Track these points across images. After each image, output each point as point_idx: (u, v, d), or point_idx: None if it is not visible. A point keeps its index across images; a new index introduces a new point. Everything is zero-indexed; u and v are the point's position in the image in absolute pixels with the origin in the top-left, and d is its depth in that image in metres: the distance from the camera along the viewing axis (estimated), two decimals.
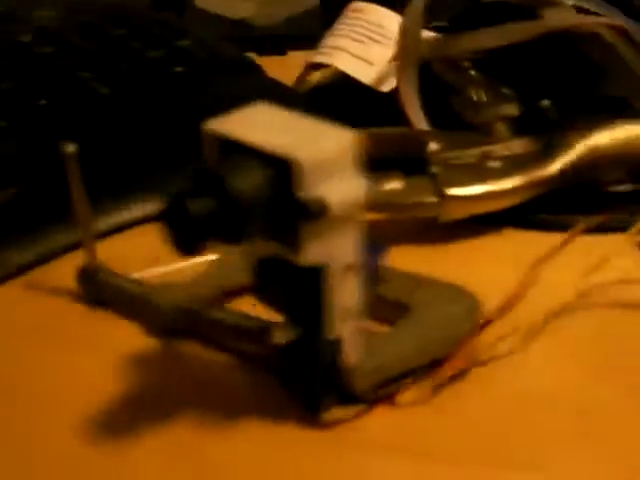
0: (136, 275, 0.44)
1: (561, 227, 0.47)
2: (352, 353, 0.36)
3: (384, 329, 0.39)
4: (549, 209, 0.48)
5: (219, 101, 0.55)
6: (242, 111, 0.35)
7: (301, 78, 0.58)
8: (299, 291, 0.35)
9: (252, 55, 0.61)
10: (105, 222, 0.48)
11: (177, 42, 0.60)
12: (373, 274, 0.36)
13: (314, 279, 0.34)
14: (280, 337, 0.36)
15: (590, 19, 0.51)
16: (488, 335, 0.40)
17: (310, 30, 0.67)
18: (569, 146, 0.47)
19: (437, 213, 0.45)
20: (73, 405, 0.39)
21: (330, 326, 0.35)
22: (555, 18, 0.51)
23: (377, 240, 0.36)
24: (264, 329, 0.37)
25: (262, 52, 0.62)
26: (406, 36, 0.51)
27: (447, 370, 0.38)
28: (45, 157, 0.50)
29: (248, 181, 0.32)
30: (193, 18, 0.67)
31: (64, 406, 0.39)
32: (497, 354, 0.40)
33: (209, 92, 0.56)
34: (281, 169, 0.32)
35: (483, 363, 0.39)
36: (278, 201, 0.32)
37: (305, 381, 0.37)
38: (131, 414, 0.38)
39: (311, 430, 0.37)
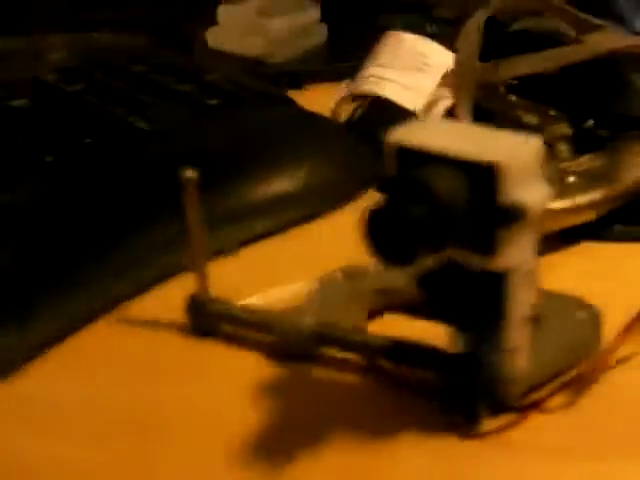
0: (245, 302, 0.43)
1: (636, 238, 0.49)
2: (522, 361, 0.36)
3: None
4: (619, 221, 0.50)
5: (259, 130, 0.56)
6: (413, 124, 0.35)
7: (337, 108, 0.58)
8: (473, 300, 0.35)
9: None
10: None
11: (204, 76, 0.59)
12: None
13: (496, 286, 0.34)
14: (453, 349, 0.36)
15: (632, 41, 0.53)
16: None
17: (319, 65, 0.68)
18: (637, 160, 0.49)
19: None
20: (219, 437, 0.38)
21: (509, 334, 0.35)
22: (597, 42, 0.53)
23: None
24: (430, 347, 0.37)
25: (279, 87, 0.62)
26: (462, 63, 0.52)
27: (586, 375, 0.39)
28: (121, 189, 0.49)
29: (452, 187, 0.32)
30: (202, 56, 0.66)
31: (210, 439, 0.38)
32: (623, 357, 0.41)
33: (247, 122, 0.56)
34: (475, 176, 0.33)
35: (613, 366, 0.40)
36: (474, 207, 0.33)
37: (467, 391, 0.37)
38: (282, 441, 0.38)
39: (470, 441, 0.37)
